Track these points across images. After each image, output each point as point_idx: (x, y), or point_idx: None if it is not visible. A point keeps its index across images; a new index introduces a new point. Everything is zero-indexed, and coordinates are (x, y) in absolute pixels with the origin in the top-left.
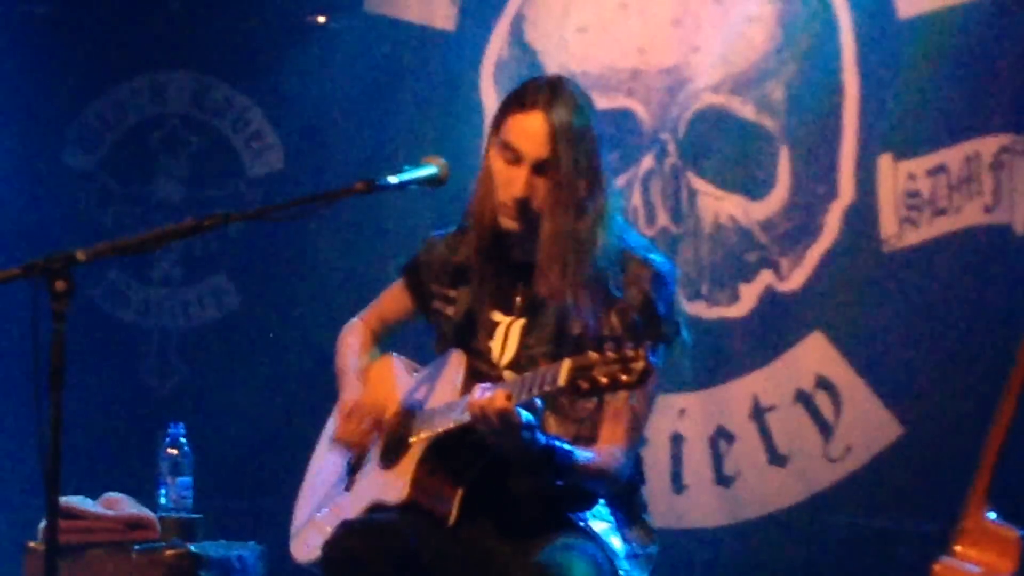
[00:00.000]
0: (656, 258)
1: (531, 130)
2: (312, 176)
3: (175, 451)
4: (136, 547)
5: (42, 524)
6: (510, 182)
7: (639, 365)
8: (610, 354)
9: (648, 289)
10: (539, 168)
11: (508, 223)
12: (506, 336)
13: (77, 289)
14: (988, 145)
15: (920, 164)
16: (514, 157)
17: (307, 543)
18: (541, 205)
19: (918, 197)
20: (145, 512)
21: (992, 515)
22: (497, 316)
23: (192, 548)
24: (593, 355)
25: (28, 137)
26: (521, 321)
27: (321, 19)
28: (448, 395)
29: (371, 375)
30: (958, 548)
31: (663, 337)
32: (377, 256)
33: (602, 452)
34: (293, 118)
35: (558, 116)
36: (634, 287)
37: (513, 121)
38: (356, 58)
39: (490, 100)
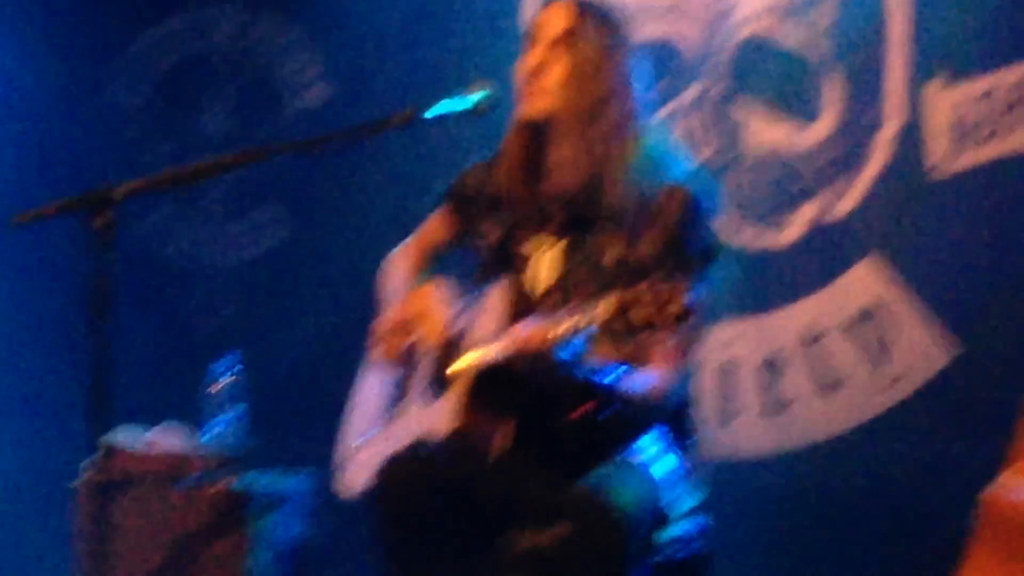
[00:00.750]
0: (695, 187)
1: (552, 13)
2: (358, 108)
3: (226, 383)
4: (181, 481)
5: (89, 461)
6: (525, 63)
7: (673, 310)
8: (647, 295)
9: (683, 213)
10: (557, 42)
11: (526, 110)
12: (543, 265)
13: (128, 225)
14: None
15: (970, 89)
16: (532, 42)
17: (355, 474)
18: (562, 81)
19: (968, 123)
20: (191, 448)
21: None
22: (533, 245)
23: (237, 484)
24: (630, 296)
25: (74, 74)
26: (557, 250)
27: None
28: (490, 327)
29: (417, 301)
30: (1009, 474)
31: (700, 269)
32: (424, 185)
33: (649, 377)
34: (338, 50)
35: (583, 5)
36: (670, 207)
37: (538, 16)
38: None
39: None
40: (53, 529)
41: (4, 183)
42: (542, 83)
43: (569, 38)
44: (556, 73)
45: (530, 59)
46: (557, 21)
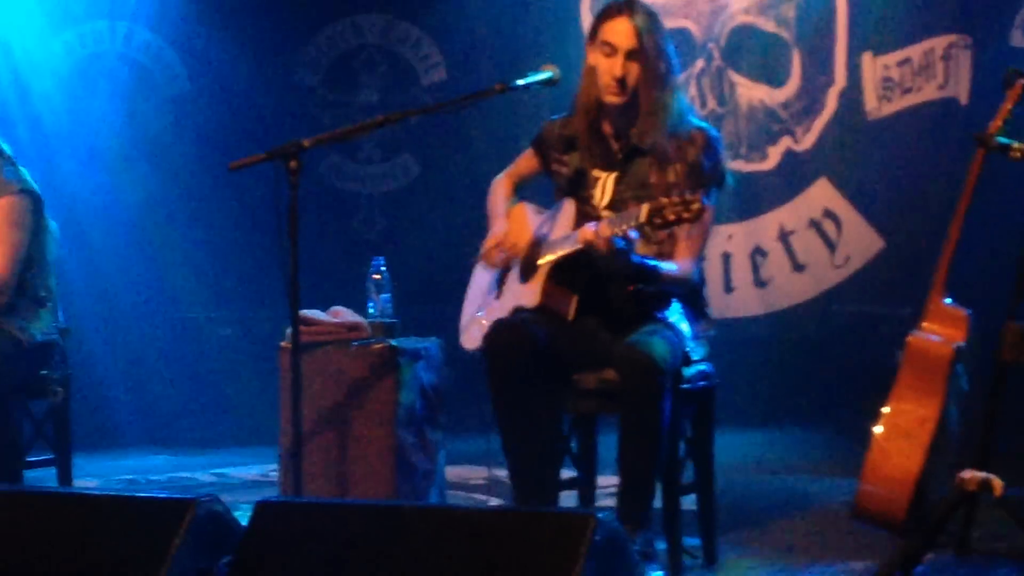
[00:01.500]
0: (708, 128)
1: (620, 29)
2: (467, 83)
3: (378, 276)
4: (353, 343)
5: (288, 329)
6: (611, 68)
7: (695, 207)
8: (676, 198)
9: (702, 149)
10: (630, 55)
11: (611, 98)
12: (603, 186)
13: (309, 167)
14: (940, 42)
15: (892, 58)
16: (611, 50)
17: (471, 336)
18: (635, 82)
19: (890, 81)
20: (359, 318)
21: (948, 300)
22: (597, 172)
23: (392, 343)
24: (663, 199)
25: (272, 62)
26: (614, 175)
27: None
28: (564, 229)
29: (511, 215)
30: (924, 324)
31: (714, 184)
32: (513, 134)
33: (677, 264)
34: (452, 43)
35: (638, 19)
36: (692, 147)
37: (605, 27)
38: (494, 5)
39: (587, 24)
40: (265, 376)
41: (224, 141)
42: (623, 84)
43: (637, 50)
44: (631, 78)
45: (613, 68)
46: (626, 37)
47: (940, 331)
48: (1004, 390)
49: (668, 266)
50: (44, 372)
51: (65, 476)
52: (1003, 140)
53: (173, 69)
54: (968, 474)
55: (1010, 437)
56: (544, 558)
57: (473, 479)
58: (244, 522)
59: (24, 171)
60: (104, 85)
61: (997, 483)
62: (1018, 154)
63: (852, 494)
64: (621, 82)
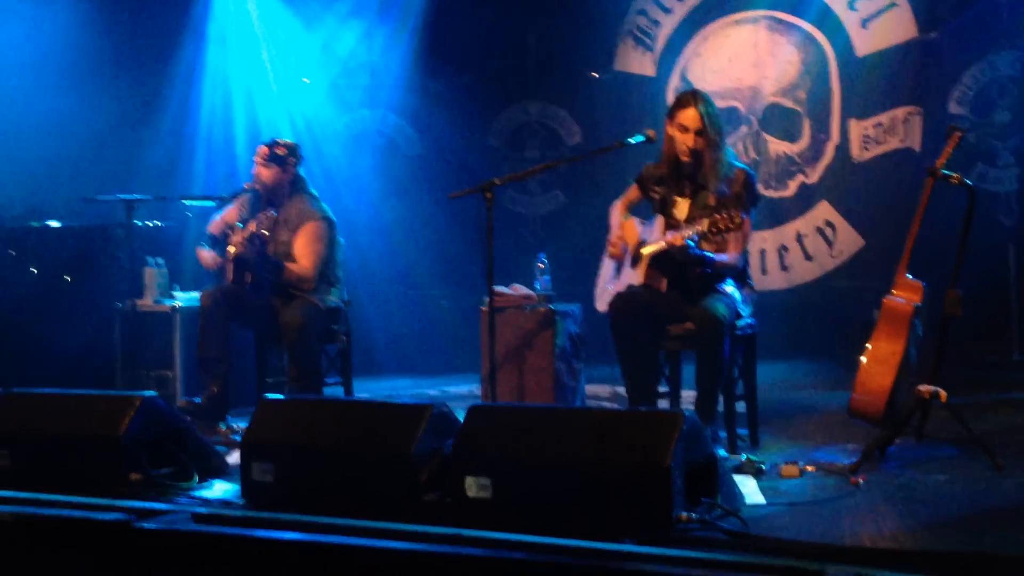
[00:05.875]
0: (747, 168)
1: (690, 115)
2: (595, 142)
3: (542, 265)
4: (526, 307)
5: (486, 298)
6: (684, 140)
7: (738, 220)
8: (726, 215)
9: (743, 183)
10: (697, 133)
11: (684, 158)
12: (681, 208)
13: (497, 198)
14: (901, 112)
15: (869, 122)
16: (684, 129)
17: (602, 302)
18: (701, 148)
19: (868, 137)
20: (530, 291)
21: (910, 275)
22: (676, 199)
23: (550, 307)
24: (718, 216)
25: (470, 133)
26: (688, 200)
27: (595, 74)
28: (658, 234)
29: (624, 226)
30: (893, 291)
31: (751, 205)
32: (626, 172)
33: (727, 256)
34: (585, 117)
35: (701, 107)
36: (737, 182)
37: (680, 113)
38: (611, 93)
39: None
40: (471, 328)
41: (444, 182)
42: (692, 151)
43: (702, 129)
44: (697, 147)
45: (685, 141)
46: (693, 121)
47: (904, 295)
48: (946, 334)
49: (721, 257)
50: (334, 327)
51: (348, 391)
52: (945, 171)
53: (411, 138)
54: (924, 387)
55: (951, 364)
56: (652, 439)
57: (603, 394)
58: (460, 419)
59: (324, 204)
60: (368, 149)
61: (943, 393)
62: (955, 181)
63: (846, 401)
64: (692, 150)
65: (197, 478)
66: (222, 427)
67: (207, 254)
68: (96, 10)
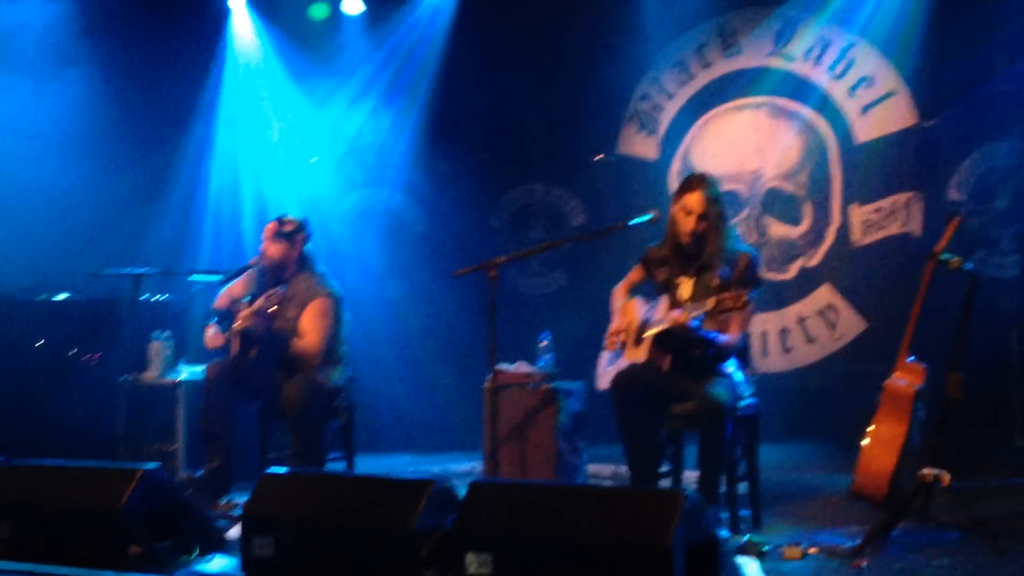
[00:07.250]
0: (751, 251)
1: (694, 199)
2: (597, 223)
3: (544, 343)
4: (528, 386)
5: (488, 376)
6: (687, 223)
7: (742, 301)
8: (730, 295)
9: (746, 266)
10: (700, 216)
11: (687, 240)
12: (684, 287)
13: (502, 274)
14: (902, 197)
15: (869, 208)
16: (687, 212)
17: (603, 381)
18: (702, 232)
19: (869, 222)
20: (533, 369)
21: (911, 358)
22: (680, 279)
23: (553, 385)
24: (722, 295)
25: (474, 213)
26: (691, 280)
27: (599, 157)
28: (661, 314)
29: (625, 308)
30: (895, 374)
31: (754, 286)
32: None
33: (729, 336)
34: (588, 199)
35: (706, 191)
36: (740, 264)
37: (684, 196)
38: (614, 176)
39: (673, 185)
40: (473, 406)
41: (449, 260)
42: (695, 233)
43: (704, 213)
44: (700, 229)
45: (688, 223)
46: (698, 204)
47: (906, 378)
48: (948, 417)
49: (723, 337)
50: (336, 404)
51: (350, 466)
52: (945, 256)
53: (417, 217)
54: (926, 471)
55: (952, 447)
56: (653, 518)
57: (604, 473)
58: (461, 495)
59: (332, 280)
60: (374, 227)
61: (945, 476)
62: (954, 266)
63: (849, 484)
64: (694, 232)
65: (197, 551)
66: (223, 501)
67: (212, 333)
68: (110, 85)
